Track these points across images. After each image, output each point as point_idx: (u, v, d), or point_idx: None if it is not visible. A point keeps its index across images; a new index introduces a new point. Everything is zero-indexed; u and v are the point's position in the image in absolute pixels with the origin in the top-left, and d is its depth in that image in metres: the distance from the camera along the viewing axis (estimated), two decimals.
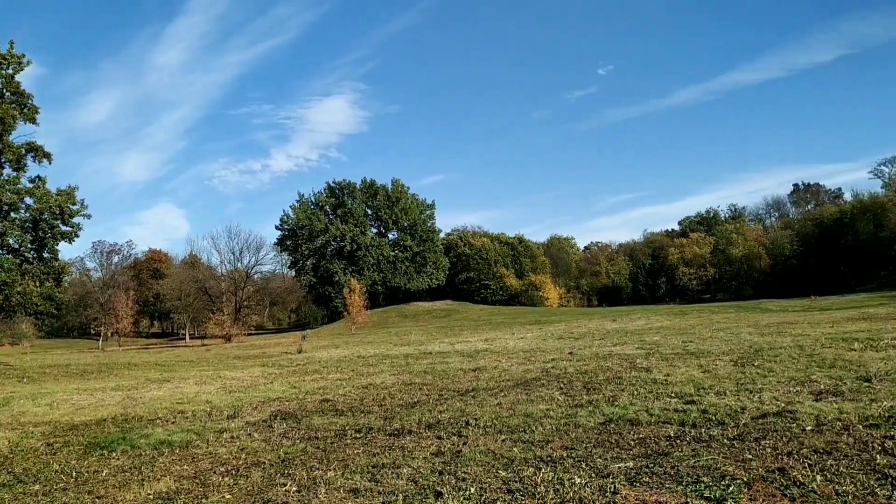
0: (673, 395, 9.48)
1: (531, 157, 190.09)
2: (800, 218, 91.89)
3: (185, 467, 7.21)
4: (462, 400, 10.62)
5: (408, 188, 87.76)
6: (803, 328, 21.10)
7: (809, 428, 6.75)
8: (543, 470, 5.98)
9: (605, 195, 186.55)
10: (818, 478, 5.10)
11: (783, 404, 8.06)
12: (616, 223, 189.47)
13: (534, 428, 7.83)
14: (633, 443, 6.77)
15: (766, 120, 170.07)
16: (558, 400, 9.79)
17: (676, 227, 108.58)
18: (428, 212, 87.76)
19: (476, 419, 8.63)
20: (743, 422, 7.27)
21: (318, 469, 6.69)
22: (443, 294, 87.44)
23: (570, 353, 17.56)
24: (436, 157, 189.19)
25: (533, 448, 6.86)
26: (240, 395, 13.67)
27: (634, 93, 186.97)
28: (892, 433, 6.29)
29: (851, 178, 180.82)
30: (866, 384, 9.12)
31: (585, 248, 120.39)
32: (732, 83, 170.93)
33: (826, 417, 7.14)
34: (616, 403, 9.05)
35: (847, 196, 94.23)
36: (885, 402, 7.66)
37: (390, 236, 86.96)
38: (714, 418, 7.58)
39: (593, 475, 5.72)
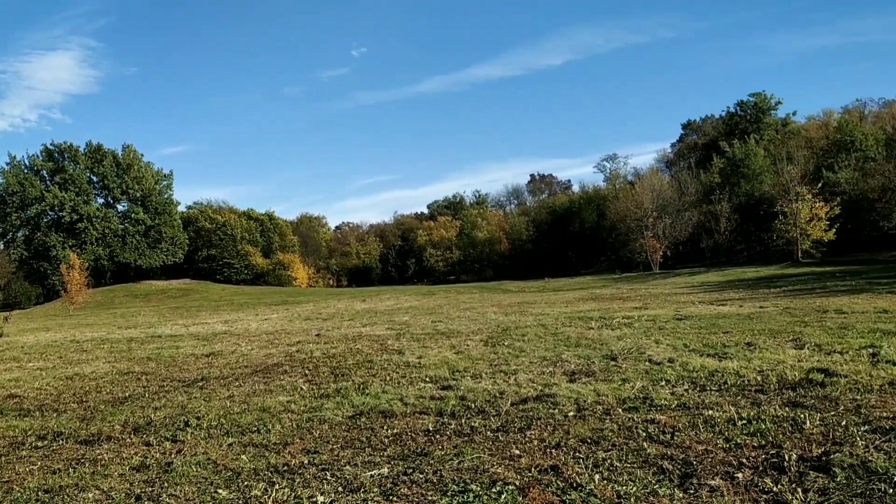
0: (428, 379, 8.77)
1: (282, 134, 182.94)
2: (535, 206, 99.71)
3: None
4: (186, 392, 8.95)
5: (142, 155, 78.40)
6: (542, 308, 22.16)
7: (572, 414, 6.30)
8: (278, 485, 4.74)
9: (357, 177, 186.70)
10: (596, 477, 4.47)
11: (541, 387, 7.66)
12: (367, 204, 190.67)
13: (270, 426, 6.52)
14: (387, 440, 5.78)
15: (507, 113, 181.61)
16: (302, 389, 8.58)
17: (426, 211, 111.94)
18: (165, 182, 79.39)
19: (199, 418, 7.08)
20: (504, 409, 6.65)
21: None
22: (181, 272, 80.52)
23: (318, 335, 16.43)
24: (179, 126, 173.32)
25: (267, 454, 5.58)
26: None
27: (386, 77, 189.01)
28: (651, 416, 6.02)
29: (580, 172, 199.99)
30: (613, 363, 9.16)
31: (336, 228, 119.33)
32: (477, 77, 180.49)
33: (585, 401, 6.78)
34: (367, 392, 8.07)
35: (575, 188, 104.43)
36: (636, 383, 7.56)
37: (119, 207, 77.46)
38: (474, 406, 6.88)
39: (341, 489, 4.60)
